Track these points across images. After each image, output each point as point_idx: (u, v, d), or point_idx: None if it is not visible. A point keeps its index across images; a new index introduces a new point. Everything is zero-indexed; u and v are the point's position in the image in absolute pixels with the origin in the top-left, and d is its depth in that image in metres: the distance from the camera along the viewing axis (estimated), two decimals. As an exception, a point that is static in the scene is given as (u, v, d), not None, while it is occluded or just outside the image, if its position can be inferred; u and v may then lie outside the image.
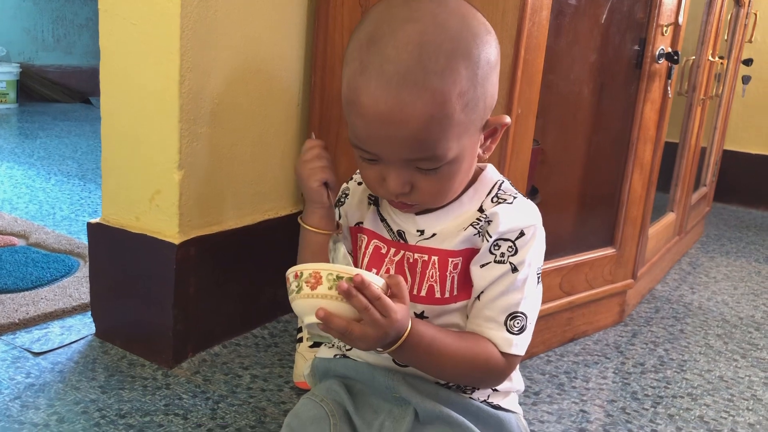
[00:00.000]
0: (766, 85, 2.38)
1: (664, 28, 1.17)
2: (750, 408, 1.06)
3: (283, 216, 1.14)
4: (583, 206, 1.33)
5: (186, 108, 0.94)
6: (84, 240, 1.48)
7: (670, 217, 1.58)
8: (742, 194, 2.38)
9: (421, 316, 0.68)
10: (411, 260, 0.68)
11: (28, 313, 1.12)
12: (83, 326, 1.12)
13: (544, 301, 1.07)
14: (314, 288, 0.55)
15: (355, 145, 0.63)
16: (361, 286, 0.55)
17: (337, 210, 0.76)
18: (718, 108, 1.89)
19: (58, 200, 1.82)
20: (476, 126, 0.62)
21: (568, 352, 1.19)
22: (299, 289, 0.56)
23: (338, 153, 1.11)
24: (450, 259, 0.66)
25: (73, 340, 1.07)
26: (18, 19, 3.55)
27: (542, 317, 1.06)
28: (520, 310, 0.65)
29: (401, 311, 0.57)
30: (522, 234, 0.65)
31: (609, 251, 1.24)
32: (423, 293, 0.68)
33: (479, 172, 0.69)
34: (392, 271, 0.69)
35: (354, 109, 0.60)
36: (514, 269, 0.64)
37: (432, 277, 0.67)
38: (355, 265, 0.73)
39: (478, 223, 0.65)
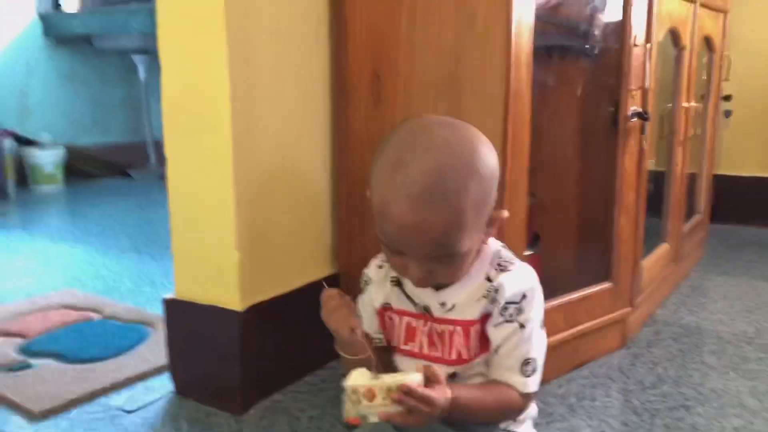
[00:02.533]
0: (749, 112, 2.56)
1: (634, 92, 1.38)
2: (737, 414, 1.22)
3: (323, 277, 1.35)
4: (580, 247, 1.51)
5: (239, 199, 1.16)
6: (150, 310, 1.71)
7: (663, 248, 1.75)
8: (739, 214, 2.54)
9: (453, 375, 0.85)
10: (438, 331, 0.86)
11: (116, 378, 1.33)
12: (162, 386, 1.32)
13: (551, 334, 1.26)
14: (372, 400, 0.75)
15: (382, 240, 0.80)
16: (407, 393, 0.73)
17: (360, 296, 0.93)
18: (703, 143, 2.08)
19: (120, 274, 2.05)
20: (483, 223, 0.80)
21: (576, 377, 1.36)
22: (359, 401, 0.75)
23: (365, 224, 1.32)
24: (471, 327, 0.84)
25: (156, 398, 1.28)
26: (60, 105, 3.86)
27: (551, 348, 1.22)
28: (530, 356, 0.84)
29: (440, 394, 0.76)
30: (524, 296, 0.83)
31: (606, 285, 1.43)
32: (453, 357, 0.85)
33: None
34: (424, 342, 0.87)
35: (385, 218, 0.76)
36: (522, 326, 0.83)
37: (459, 344, 0.85)
38: (388, 341, 0.91)
39: (488, 294, 0.83)
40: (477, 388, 0.84)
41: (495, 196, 0.81)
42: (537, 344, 0.85)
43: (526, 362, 0.84)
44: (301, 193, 1.32)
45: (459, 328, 0.85)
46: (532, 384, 0.85)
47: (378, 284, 0.91)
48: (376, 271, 0.92)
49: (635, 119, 1.39)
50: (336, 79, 1.33)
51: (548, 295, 1.27)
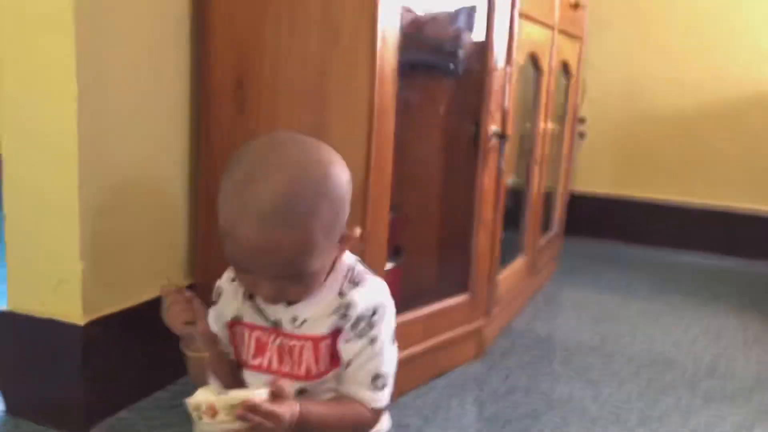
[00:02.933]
0: (603, 134, 2.76)
1: (494, 113, 1.43)
2: (580, 421, 1.30)
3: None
4: (441, 260, 1.55)
5: (84, 207, 1.08)
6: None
7: (520, 261, 1.84)
8: (591, 229, 2.72)
9: (303, 391, 0.84)
10: (289, 346, 0.84)
11: (-63, 398, 1.20)
12: (-8, 405, 1.21)
13: (410, 344, 1.29)
14: (213, 416, 0.72)
15: (231, 260, 0.78)
16: (251, 409, 0.71)
17: (212, 308, 0.90)
18: (559, 162, 2.20)
19: (-47, 280, 1.87)
20: (334, 242, 0.80)
21: (434, 387, 1.39)
22: (200, 417, 0.72)
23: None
24: (321, 342, 0.83)
25: (-15, 419, 1.17)
26: None
27: (409, 358, 1.26)
28: (380, 371, 0.83)
29: (286, 409, 0.74)
30: (375, 312, 0.83)
31: (463, 297, 1.47)
32: (302, 372, 0.84)
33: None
34: (273, 357, 0.85)
35: (232, 240, 0.74)
36: (372, 341, 0.82)
37: (308, 359, 0.83)
38: (237, 356, 0.88)
39: (339, 310, 0.82)
40: (326, 404, 0.83)
41: (346, 215, 0.81)
42: (388, 359, 0.85)
43: (376, 377, 0.84)
44: (156, 200, 1.25)
45: (309, 343, 0.83)
46: (382, 399, 0.85)
47: (230, 297, 0.88)
48: (229, 284, 0.89)
49: (495, 139, 1.44)
50: (198, 84, 1.28)
51: (409, 306, 1.30)
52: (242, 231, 0.73)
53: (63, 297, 1.11)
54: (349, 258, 0.87)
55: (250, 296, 0.86)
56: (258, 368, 0.86)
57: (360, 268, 0.87)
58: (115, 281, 1.17)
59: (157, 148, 1.24)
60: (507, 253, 1.70)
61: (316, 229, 0.74)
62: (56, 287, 1.11)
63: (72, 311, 1.11)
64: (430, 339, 1.38)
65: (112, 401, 1.19)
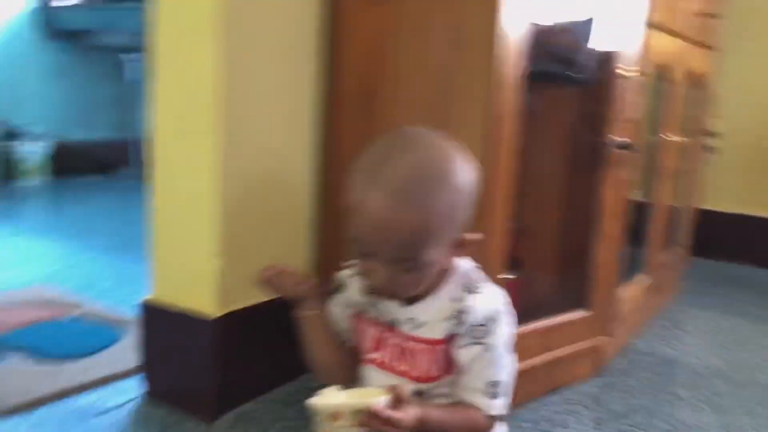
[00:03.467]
0: (736, 150, 2.60)
1: (621, 123, 1.39)
2: (706, 448, 1.23)
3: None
4: (561, 274, 1.52)
5: (226, 207, 1.16)
6: (126, 310, 1.69)
7: (642, 278, 1.77)
8: (720, 250, 2.57)
9: (419, 392, 0.85)
10: (405, 346, 0.86)
11: (86, 378, 1.31)
12: (133, 389, 1.31)
13: (526, 358, 1.27)
14: (336, 420, 0.75)
15: (355, 239, 0.82)
16: (374, 416, 0.73)
17: (333, 299, 0.94)
18: (687, 177, 2.10)
19: (99, 273, 2.04)
20: (450, 239, 0.82)
21: (550, 402, 1.37)
22: (322, 421, 0.75)
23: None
24: (438, 347, 0.85)
25: (127, 400, 1.27)
26: (47, 100, 3.84)
27: (526, 371, 1.24)
28: (496, 379, 0.84)
29: (407, 415, 0.76)
30: (491, 319, 0.84)
31: (583, 312, 1.44)
32: (419, 374, 0.86)
33: (451, 265, 0.87)
34: (389, 356, 0.88)
35: (359, 213, 0.79)
36: (488, 348, 0.83)
37: (426, 362, 0.86)
38: (358, 347, 0.92)
39: (456, 315, 0.84)
40: (443, 409, 0.85)
41: (467, 215, 0.82)
42: (504, 367, 0.85)
43: (492, 384, 0.84)
44: (286, 204, 1.32)
45: (426, 347, 0.85)
46: (498, 406, 0.85)
47: (353, 290, 0.92)
48: (350, 279, 0.93)
49: (621, 150, 1.40)
50: (326, 93, 1.33)
51: (527, 319, 1.29)
52: (369, 204, 0.77)
53: (200, 291, 1.19)
54: (466, 265, 0.88)
55: (370, 292, 0.90)
56: (376, 363, 0.89)
57: (477, 275, 0.88)
58: (247, 277, 1.23)
59: (288, 155, 1.30)
60: (629, 270, 1.65)
61: (436, 215, 0.78)
62: (194, 281, 1.19)
63: (207, 305, 1.18)
64: (547, 353, 1.36)
65: (240, 393, 1.26)
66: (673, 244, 2.09)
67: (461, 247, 0.85)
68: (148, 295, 1.27)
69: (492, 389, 0.84)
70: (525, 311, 1.20)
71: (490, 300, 0.85)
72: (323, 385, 1.16)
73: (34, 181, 3.55)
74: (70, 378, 1.31)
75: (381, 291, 0.85)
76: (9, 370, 1.33)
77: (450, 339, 0.84)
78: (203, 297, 1.18)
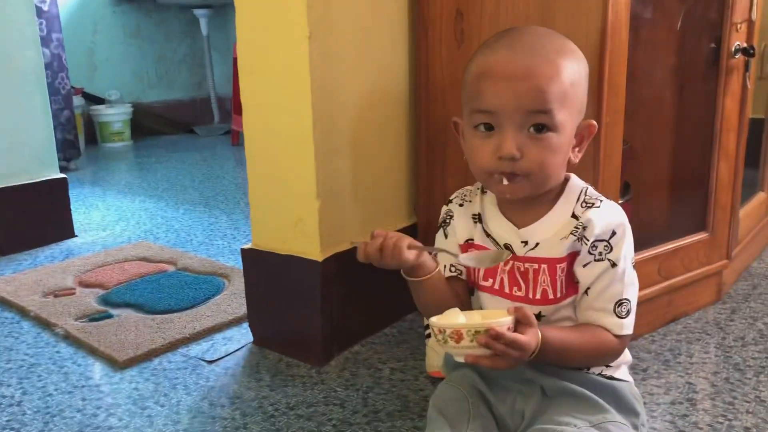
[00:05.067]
0: None
1: (738, 26, 1.26)
2: None
3: (401, 228, 1.31)
4: (674, 196, 1.42)
5: (319, 147, 1.11)
6: (222, 261, 1.70)
7: (761, 197, 1.64)
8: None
9: (538, 315, 0.80)
10: (522, 269, 0.81)
11: (195, 329, 1.33)
12: (241, 336, 1.31)
13: (644, 287, 1.19)
14: (458, 341, 0.71)
15: (476, 114, 0.77)
16: (496, 338, 0.69)
17: (441, 230, 0.89)
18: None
19: (191, 227, 2.06)
20: (575, 114, 0.77)
21: (670, 332, 1.29)
22: (445, 341, 0.72)
23: (446, 173, 1.26)
24: (558, 265, 0.79)
25: (237, 348, 1.27)
26: (126, 63, 3.90)
27: (644, 301, 1.17)
28: (624, 297, 0.78)
29: (530, 337, 0.71)
30: (614, 233, 0.78)
31: (702, 236, 1.34)
32: (538, 296, 0.81)
33: (566, 182, 0.82)
34: (506, 280, 0.82)
35: (485, 77, 0.75)
36: (613, 264, 0.77)
37: (544, 282, 0.80)
38: (468, 277, 0.87)
39: (576, 230, 0.78)
40: (569, 330, 0.79)
41: (585, 102, 0.79)
42: (630, 284, 0.79)
43: (620, 303, 0.78)
44: (381, 140, 1.26)
45: (545, 266, 0.80)
46: (628, 326, 0.79)
47: (461, 220, 0.87)
48: (458, 208, 0.88)
49: (739, 55, 1.27)
50: (416, 16, 1.26)
51: (640, 246, 1.20)
52: (497, 64, 0.75)
53: (302, 234, 1.16)
54: (580, 181, 0.83)
55: (479, 219, 0.86)
56: (489, 290, 0.85)
57: (592, 191, 0.82)
58: (348, 219, 1.20)
59: (379, 88, 1.24)
60: (745, 190, 1.52)
61: (564, 69, 0.75)
62: (296, 225, 1.16)
63: (310, 248, 1.16)
64: (665, 281, 1.28)
65: (347, 336, 1.24)
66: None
67: (588, 134, 0.80)
68: (249, 243, 1.26)
69: (620, 308, 0.78)
70: (638, 238, 1.12)
71: (612, 213, 0.79)
72: (427, 326, 1.13)
73: (118, 144, 3.64)
74: (179, 329, 1.32)
75: (505, 189, 0.78)
76: (119, 324, 1.36)
77: (571, 257, 0.79)
78: (306, 240, 1.16)
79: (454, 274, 0.87)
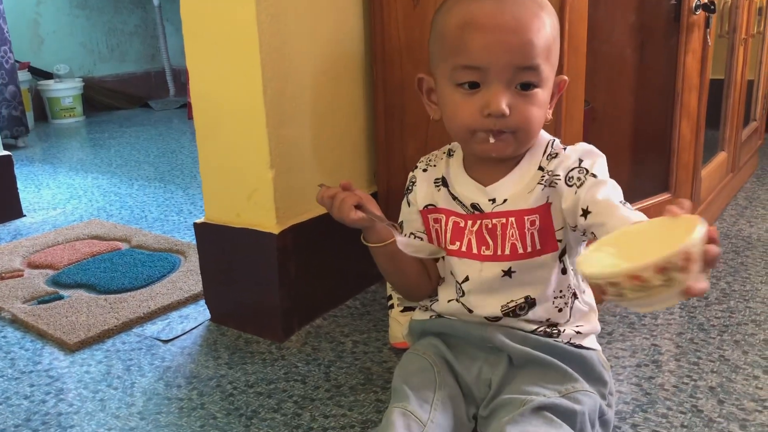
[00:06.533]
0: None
1: (699, -19, 1.23)
2: (812, 328, 1.14)
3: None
4: (636, 157, 1.40)
5: (270, 114, 1.06)
6: (178, 238, 1.65)
7: (721, 156, 1.64)
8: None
9: (509, 272, 0.78)
10: (490, 226, 0.78)
11: (149, 308, 1.28)
12: (198, 314, 1.27)
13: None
14: (642, 285, 0.52)
15: (460, 70, 0.73)
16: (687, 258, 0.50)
17: (405, 197, 0.87)
18: (763, 42, 1.92)
19: (146, 204, 1.99)
20: (554, 67, 0.75)
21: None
22: (622, 294, 0.53)
23: (405, 137, 1.22)
24: (526, 217, 0.77)
25: (193, 326, 1.22)
26: (74, 35, 3.74)
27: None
28: (622, 199, 0.71)
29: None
30: (584, 159, 0.75)
31: (665, 196, 1.32)
32: (507, 251, 0.78)
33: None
34: (473, 241, 0.79)
35: (470, 29, 0.71)
36: (596, 176, 0.73)
37: (512, 236, 0.78)
38: (437, 244, 0.84)
39: (544, 178, 0.76)
40: (640, 216, 0.68)
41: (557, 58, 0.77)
42: (621, 193, 0.73)
43: (623, 203, 0.71)
44: (337, 106, 1.21)
45: (512, 219, 0.78)
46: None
47: (423, 185, 0.85)
48: (421, 174, 0.86)
49: (700, 11, 1.25)
50: (369, -22, 1.20)
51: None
52: (482, 9, 0.72)
53: (256, 206, 1.11)
54: (546, 135, 0.81)
55: (443, 183, 0.83)
56: (457, 253, 0.82)
57: (558, 143, 0.80)
58: (304, 190, 1.15)
59: (333, 50, 1.19)
60: (706, 149, 1.51)
61: (547, 24, 0.73)
62: (250, 197, 1.11)
63: (265, 220, 1.11)
64: (629, 242, 1.26)
65: (308, 310, 1.20)
66: (749, 119, 1.94)
67: (558, 90, 0.79)
68: (202, 218, 1.20)
69: (626, 206, 0.70)
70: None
71: (578, 147, 0.78)
72: (390, 296, 1.10)
73: (69, 120, 3.51)
74: (133, 309, 1.27)
75: (492, 148, 0.74)
76: (69, 306, 1.30)
77: (543, 210, 0.76)
78: (261, 212, 1.11)
79: (419, 240, 0.85)
